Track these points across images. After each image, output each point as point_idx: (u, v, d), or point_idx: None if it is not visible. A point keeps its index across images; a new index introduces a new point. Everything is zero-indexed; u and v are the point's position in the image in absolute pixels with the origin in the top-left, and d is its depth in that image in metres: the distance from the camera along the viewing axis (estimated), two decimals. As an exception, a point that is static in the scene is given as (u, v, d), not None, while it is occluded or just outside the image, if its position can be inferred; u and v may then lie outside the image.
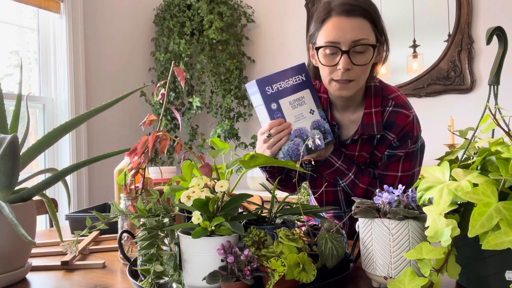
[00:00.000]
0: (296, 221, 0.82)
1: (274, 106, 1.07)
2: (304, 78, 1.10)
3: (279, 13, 3.26)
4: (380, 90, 1.16)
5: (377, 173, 1.18)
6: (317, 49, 1.07)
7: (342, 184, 1.18)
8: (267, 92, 1.07)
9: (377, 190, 0.76)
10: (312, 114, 1.09)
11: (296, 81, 1.09)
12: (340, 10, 1.04)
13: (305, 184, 2.20)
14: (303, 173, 1.27)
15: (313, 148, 1.08)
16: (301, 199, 2.36)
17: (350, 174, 1.15)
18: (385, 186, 0.76)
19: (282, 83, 1.08)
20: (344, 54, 1.03)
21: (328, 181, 1.24)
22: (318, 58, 1.08)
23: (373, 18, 1.06)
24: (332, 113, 1.19)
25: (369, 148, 1.18)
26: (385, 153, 1.16)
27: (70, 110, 2.62)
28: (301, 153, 1.06)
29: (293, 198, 2.20)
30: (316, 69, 1.17)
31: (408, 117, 1.12)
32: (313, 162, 1.19)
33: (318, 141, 1.05)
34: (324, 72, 1.10)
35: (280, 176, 1.26)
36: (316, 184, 1.27)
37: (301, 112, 1.09)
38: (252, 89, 1.09)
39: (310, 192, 1.37)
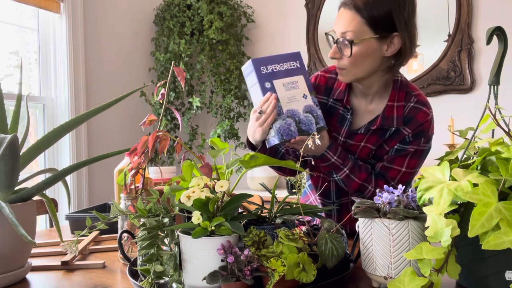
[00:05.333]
0: (296, 221, 0.82)
1: (268, 85, 1.08)
2: (298, 65, 1.13)
3: (279, 13, 3.26)
4: (405, 86, 1.19)
5: (380, 166, 1.18)
6: (326, 36, 1.15)
7: (336, 178, 1.18)
8: (262, 72, 1.09)
9: (377, 190, 0.76)
10: (305, 98, 1.10)
11: (290, 66, 1.12)
12: (341, 2, 1.12)
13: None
14: (303, 157, 1.26)
15: (304, 129, 1.08)
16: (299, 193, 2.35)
17: (345, 169, 1.16)
18: (385, 186, 0.76)
19: (277, 66, 1.10)
20: (334, 43, 1.12)
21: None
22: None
23: (370, 12, 1.06)
24: (349, 96, 1.21)
25: (377, 140, 1.18)
26: (395, 146, 1.17)
27: (70, 110, 2.62)
28: (292, 133, 1.06)
29: (293, 198, 2.20)
30: None
31: (427, 115, 1.15)
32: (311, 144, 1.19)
33: (311, 126, 1.08)
34: None
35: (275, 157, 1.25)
36: (315, 168, 1.28)
37: (294, 95, 1.10)
38: (248, 70, 1.11)
39: (308, 176, 1.37)
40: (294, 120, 1.07)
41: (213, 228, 0.69)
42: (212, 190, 0.74)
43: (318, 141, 0.81)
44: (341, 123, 1.21)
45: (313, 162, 1.18)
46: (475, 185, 0.62)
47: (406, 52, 1.13)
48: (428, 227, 0.63)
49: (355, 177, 1.16)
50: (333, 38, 1.12)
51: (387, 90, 1.19)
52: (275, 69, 1.10)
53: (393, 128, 1.15)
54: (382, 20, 1.07)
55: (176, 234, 0.76)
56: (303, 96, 1.10)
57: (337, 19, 1.12)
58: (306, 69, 1.17)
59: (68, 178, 2.47)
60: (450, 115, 2.42)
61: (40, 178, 1.18)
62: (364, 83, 1.17)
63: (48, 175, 0.94)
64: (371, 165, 1.21)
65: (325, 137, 1.13)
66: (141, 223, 0.76)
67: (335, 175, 1.18)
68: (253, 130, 1.10)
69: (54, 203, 1.62)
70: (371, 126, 1.17)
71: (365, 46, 1.08)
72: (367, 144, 1.19)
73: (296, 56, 1.14)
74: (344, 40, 1.09)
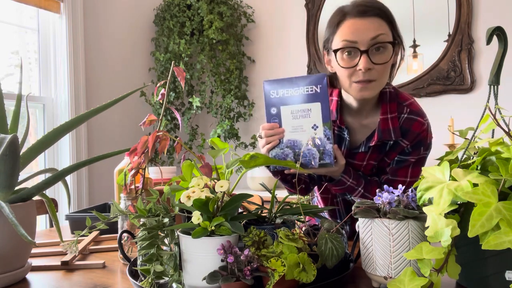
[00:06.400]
0: (296, 221, 0.82)
1: (274, 111, 1.04)
2: (318, 90, 1.01)
3: (279, 13, 3.26)
4: (395, 96, 1.15)
5: (385, 178, 1.17)
6: (335, 52, 1.06)
7: (350, 198, 1.17)
8: (271, 96, 1.04)
9: (377, 190, 0.76)
10: (315, 130, 1.02)
11: (307, 91, 1.02)
12: (355, 12, 1.04)
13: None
14: (314, 177, 1.25)
15: (303, 163, 1.02)
16: (301, 199, 2.35)
17: (360, 189, 1.14)
18: (385, 186, 0.76)
19: (290, 90, 1.02)
20: (364, 54, 1.02)
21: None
22: (336, 61, 1.06)
23: (389, 17, 1.06)
24: (342, 116, 1.17)
25: (378, 156, 1.17)
26: (395, 158, 1.15)
27: (70, 110, 2.62)
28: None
29: (293, 198, 2.19)
30: (331, 76, 1.16)
31: (423, 125, 1.12)
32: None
33: (313, 160, 1.01)
34: (343, 76, 1.08)
35: (287, 176, 1.24)
36: (323, 189, 1.27)
37: (301, 124, 1.02)
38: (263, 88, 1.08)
39: (317, 194, 1.36)
40: (293, 151, 1.03)
41: (213, 228, 0.69)
42: (212, 190, 0.74)
43: (318, 141, 0.81)
44: (339, 144, 1.18)
45: (334, 192, 1.15)
46: (475, 185, 0.62)
47: (399, 63, 1.12)
48: (428, 227, 0.63)
49: (369, 193, 1.14)
50: (358, 49, 1.03)
51: (378, 104, 1.16)
52: (287, 93, 1.02)
53: (391, 142, 1.14)
54: (395, 26, 1.08)
55: (176, 234, 0.76)
56: (313, 127, 1.02)
57: (355, 29, 1.03)
58: (328, 95, 1.02)
59: (68, 178, 2.47)
60: (450, 115, 2.42)
61: (40, 178, 1.18)
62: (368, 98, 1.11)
63: (48, 175, 0.94)
64: (375, 176, 1.20)
65: (342, 168, 1.08)
66: (141, 223, 0.76)
67: (349, 196, 1.16)
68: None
69: (54, 203, 1.62)
70: (370, 142, 1.14)
71: (391, 52, 1.05)
72: (369, 162, 1.18)
73: (318, 79, 1.02)
74: (382, 44, 1.02)
